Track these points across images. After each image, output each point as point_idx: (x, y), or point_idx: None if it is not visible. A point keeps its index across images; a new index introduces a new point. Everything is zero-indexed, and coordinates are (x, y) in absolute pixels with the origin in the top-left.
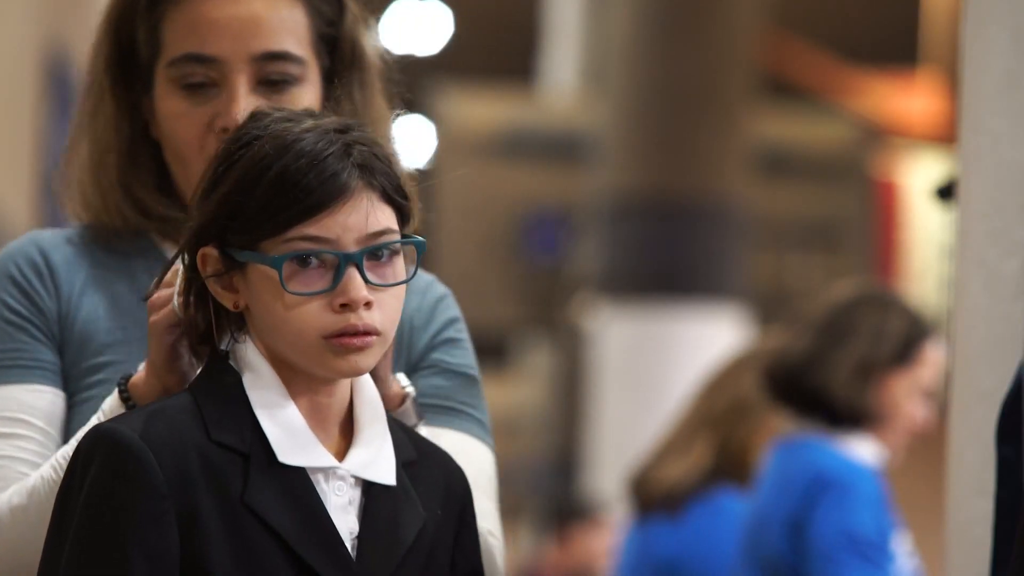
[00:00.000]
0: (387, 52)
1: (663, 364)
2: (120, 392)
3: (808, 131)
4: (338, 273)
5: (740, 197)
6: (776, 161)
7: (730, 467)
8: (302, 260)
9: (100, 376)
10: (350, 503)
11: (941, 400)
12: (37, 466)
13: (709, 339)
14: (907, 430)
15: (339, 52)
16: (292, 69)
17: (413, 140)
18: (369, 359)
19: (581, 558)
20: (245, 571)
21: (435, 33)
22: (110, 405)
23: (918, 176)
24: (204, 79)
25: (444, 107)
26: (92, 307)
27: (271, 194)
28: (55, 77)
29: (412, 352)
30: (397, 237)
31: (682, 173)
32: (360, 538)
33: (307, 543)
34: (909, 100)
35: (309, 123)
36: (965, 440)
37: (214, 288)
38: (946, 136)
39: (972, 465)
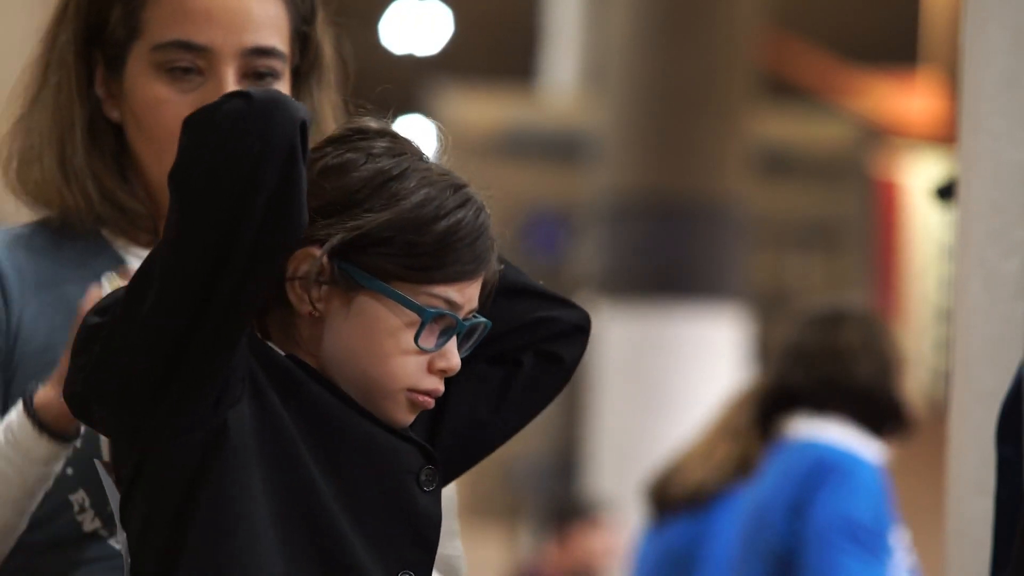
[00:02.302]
0: (350, 56)
1: (663, 364)
2: (26, 408)
3: (808, 131)
4: (445, 337)
5: (740, 197)
6: (776, 161)
7: (752, 474)
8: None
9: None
10: None
11: (941, 400)
12: None
13: (709, 339)
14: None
15: (307, 50)
16: (276, 64)
17: (418, 140)
18: None
19: (581, 558)
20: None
21: (435, 33)
22: (16, 422)
23: (918, 176)
24: (190, 65)
25: (444, 107)
26: (41, 310)
27: (439, 246)
28: None
29: None
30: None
31: (682, 173)
32: None
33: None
34: (909, 100)
35: (459, 179)
36: (965, 440)
37: (294, 289)
38: (946, 136)
39: (972, 465)
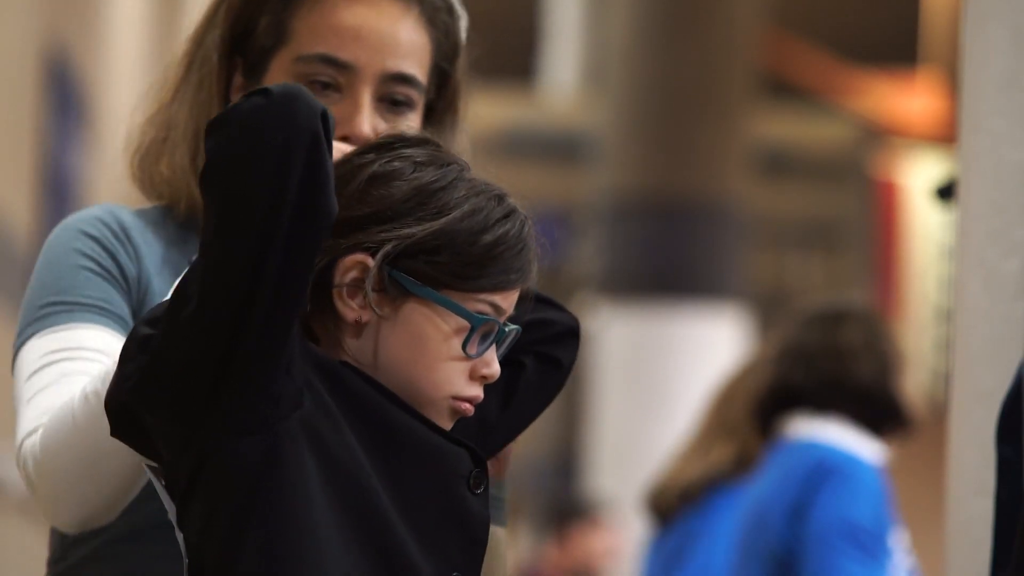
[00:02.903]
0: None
1: (663, 364)
2: None
3: (808, 131)
4: (486, 344)
5: (740, 197)
6: (776, 161)
7: (751, 470)
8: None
9: None
10: None
11: (941, 400)
12: None
13: (709, 339)
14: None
15: (445, 90)
16: (413, 94)
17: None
18: None
19: (581, 558)
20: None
21: None
22: None
23: (918, 176)
24: (330, 80)
25: None
26: (161, 290)
27: (488, 255)
28: (55, 77)
29: None
30: None
31: (682, 173)
32: None
33: None
34: (909, 100)
35: (501, 190)
36: (965, 440)
37: (341, 296)
38: (946, 136)
39: (972, 465)
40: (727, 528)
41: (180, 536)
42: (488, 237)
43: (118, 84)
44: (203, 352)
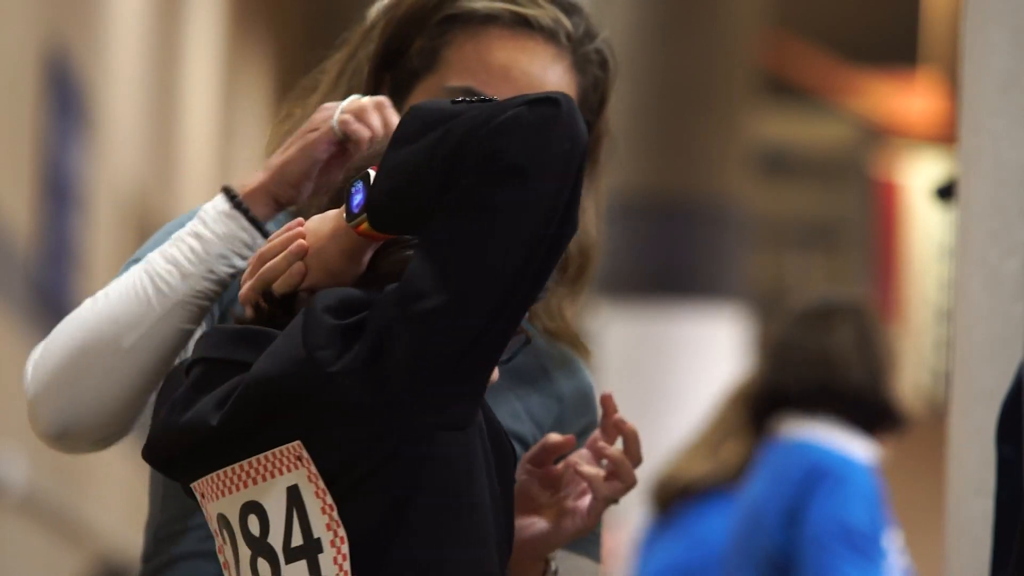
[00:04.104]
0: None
1: (663, 364)
2: (227, 192)
3: (808, 131)
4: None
5: (740, 197)
6: (776, 161)
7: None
8: None
9: None
10: None
11: (940, 400)
12: None
13: (709, 339)
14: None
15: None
16: None
17: None
18: None
19: None
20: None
21: None
22: (205, 206)
23: (918, 176)
24: None
25: None
26: None
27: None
28: (55, 77)
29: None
30: None
31: (682, 173)
32: None
33: None
34: (909, 100)
35: None
36: (965, 440)
37: None
38: (946, 136)
39: (972, 465)
40: (718, 529)
41: (330, 535)
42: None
43: (118, 84)
44: (443, 348)
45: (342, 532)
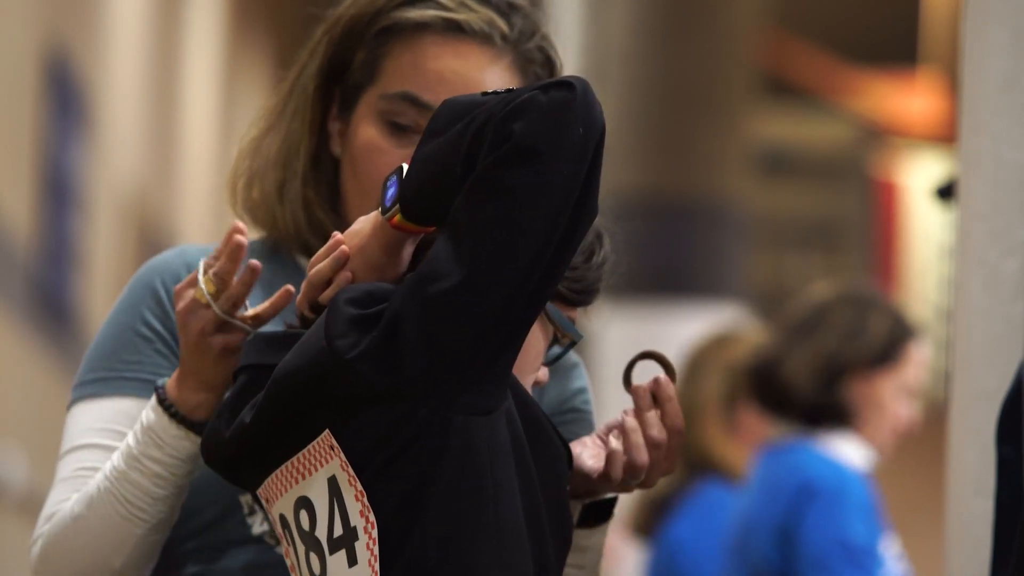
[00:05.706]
0: None
1: None
2: (159, 398)
3: (808, 131)
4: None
5: (740, 197)
6: (776, 161)
7: (703, 464)
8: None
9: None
10: None
11: (940, 400)
12: None
13: None
14: (893, 430)
15: None
16: None
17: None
18: None
19: None
20: None
21: None
22: (149, 417)
23: (918, 176)
24: (410, 123)
25: None
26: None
27: (597, 278)
28: (55, 77)
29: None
30: None
31: (682, 173)
32: None
33: None
34: (909, 100)
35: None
36: (965, 440)
37: None
38: (946, 136)
39: (972, 465)
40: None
41: (360, 522)
42: (596, 260)
43: (118, 84)
44: (457, 330)
45: (372, 518)
